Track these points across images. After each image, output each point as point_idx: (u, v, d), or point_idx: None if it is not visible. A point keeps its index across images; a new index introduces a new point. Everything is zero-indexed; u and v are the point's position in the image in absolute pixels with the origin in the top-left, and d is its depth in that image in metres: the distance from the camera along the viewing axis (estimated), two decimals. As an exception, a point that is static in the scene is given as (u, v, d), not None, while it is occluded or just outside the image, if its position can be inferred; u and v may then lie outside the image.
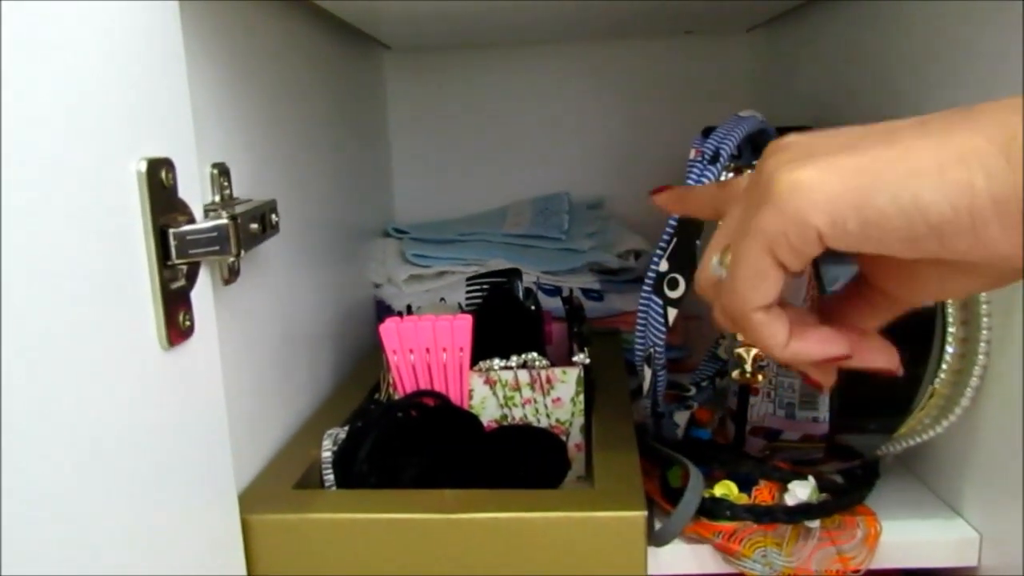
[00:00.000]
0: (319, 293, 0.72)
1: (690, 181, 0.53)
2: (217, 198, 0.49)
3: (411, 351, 0.61)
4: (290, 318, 0.64)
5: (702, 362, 0.73)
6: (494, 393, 0.61)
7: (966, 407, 0.51)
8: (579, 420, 0.62)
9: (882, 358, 0.31)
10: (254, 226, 0.46)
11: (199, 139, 0.41)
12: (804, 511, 0.52)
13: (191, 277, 0.40)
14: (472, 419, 0.59)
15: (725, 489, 0.54)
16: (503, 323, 0.67)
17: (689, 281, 0.52)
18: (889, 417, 0.55)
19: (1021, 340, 0.48)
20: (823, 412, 0.60)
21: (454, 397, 0.61)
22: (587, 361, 0.62)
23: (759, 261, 0.27)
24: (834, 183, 0.25)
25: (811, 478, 0.54)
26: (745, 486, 0.55)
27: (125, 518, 0.34)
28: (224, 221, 0.41)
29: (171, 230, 0.37)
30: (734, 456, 0.59)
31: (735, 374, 0.57)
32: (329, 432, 0.57)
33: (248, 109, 0.56)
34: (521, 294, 0.74)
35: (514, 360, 0.61)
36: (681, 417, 0.64)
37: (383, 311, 0.90)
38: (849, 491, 0.54)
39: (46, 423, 0.29)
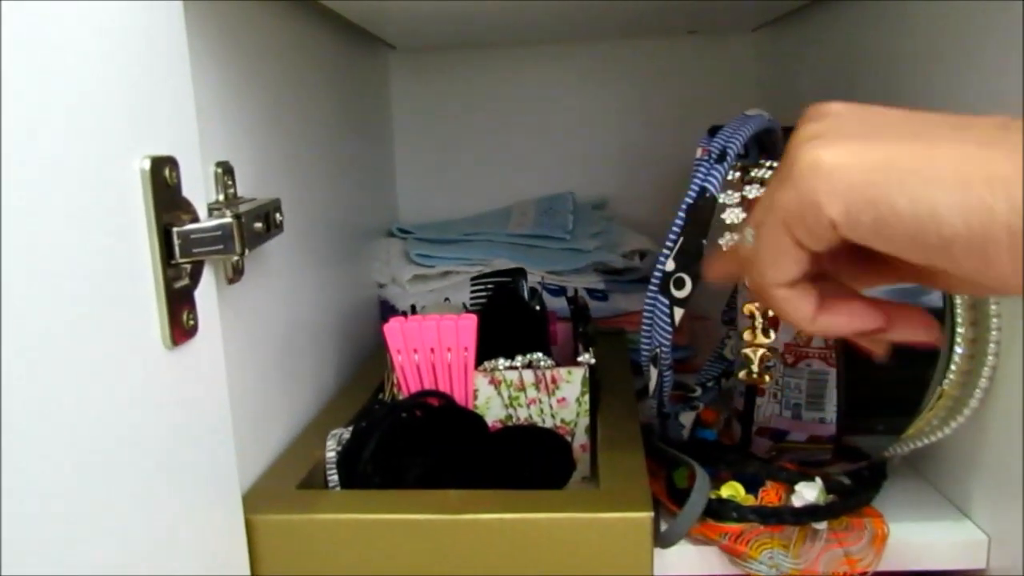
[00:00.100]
0: (323, 293, 0.72)
1: (696, 179, 0.52)
2: (221, 197, 0.49)
3: (415, 351, 0.61)
4: (294, 318, 0.63)
5: (707, 362, 0.73)
6: (499, 393, 0.61)
7: (975, 408, 0.51)
8: (584, 420, 0.61)
9: (921, 330, 0.30)
10: (258, 225, 0.46)
11: (203, 138, 0.41)
12: (811, 513, 0.51)
13: (195, 276, 0.39)
14: (477, 419, 0.59)
15: (732, 490, 0.54)
16: (508, 323, 0.67)
17: (695, 281, 0.52)
18: (897, 418, 0.54)
19: (1031, 340, 0.48)
20: (830, 413, 0.60)
21: (459, 397, 0.61)
22: (592, 361, 0.61)
23: (778, 238, 0.27)
24: (855, 171, 0.24)
25: (818, 479, 0.53)
26: (752, 487, 0.54)
27: (128, 518, 0.34)
28: (228, 220, 0.41)
29: (175, 229, 0.37)
30: (740, 457, 0.59)
31: (742, 374, 0.57)
32: (333, 432, 0.56)
33: (252, 108, 0.56)
34: (526, 294, 0.74)
35: (519, 360, 0.61)
36: (687, 418, 0.64)
37: (387, 311, 0.90)
38: (856, 492, 0.54)
39: (48, 423, 0.29)
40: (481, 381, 0.61)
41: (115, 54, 0.33)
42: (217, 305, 0.42)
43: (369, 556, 0.48)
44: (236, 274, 0.50)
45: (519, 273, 0.77)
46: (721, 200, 0.53)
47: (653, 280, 0.53)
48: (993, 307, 0.50)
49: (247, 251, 0.43)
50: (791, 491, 0.53)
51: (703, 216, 0.52)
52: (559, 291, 0.87)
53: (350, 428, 0.57)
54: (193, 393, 0.39)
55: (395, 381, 0.62)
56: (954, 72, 0.54)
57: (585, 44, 1.05)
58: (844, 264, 0.30)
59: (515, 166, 1.08)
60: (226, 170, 0.49)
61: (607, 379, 0.69)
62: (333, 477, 0.54)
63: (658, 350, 0.54)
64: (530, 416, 0.61)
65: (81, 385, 0.30)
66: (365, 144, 0.92)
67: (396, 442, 0.54)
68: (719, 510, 0.52)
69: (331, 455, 0.54)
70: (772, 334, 0.55)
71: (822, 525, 0.51)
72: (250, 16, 0.56)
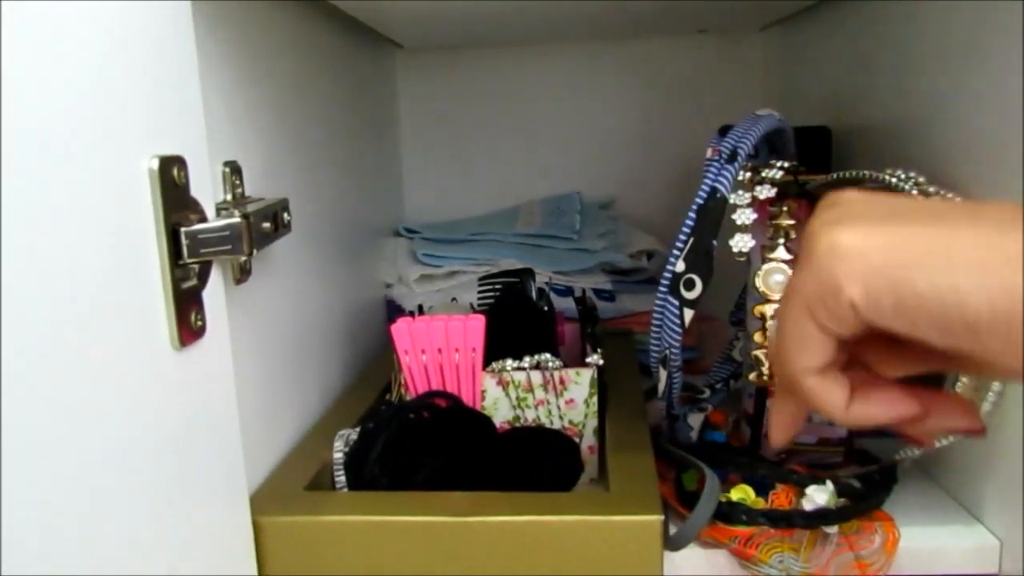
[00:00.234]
0: (330, 293, 0.72)
1: (707, 180, 0.52)
2: (229, 196, 0.49)
3: (423, 351, 0.61)
4: (301, 318, 0.63)
5: (716, 364, 0.73)
6: (507, 394, 0.61)
7: (988, 412, 0.50)
8: (592, 422, 0.61)
9: (959, 419, 0.29)
10: (266, 225, 0.46)
11: (211, 137, 0.41)
12: (822, 516, 0.51)
13: (203, 276, 0.39)
14: (484, 420, 0.58)
15: (742, 493, 0.54)
16: (516, 323, 0.67)
17: (705, 282, 0.51)
18: (908, 421, 0.54)
19: (1045, 343, 0.47)
20: (840, 415, 0.59)
21: (466, 398, 0.61)
22: (600, 362, 0.61)
23: (802, 324, 0.26)
24: (874, 253, 0.24)
25: (829, 482, 0.53)
26: (762, 490, 0.54)
27: (135, 519, 0.34)
28: (236, 220, 0.40)
29: (183, 229, 0.37)
30: (750, 460, 0.58)
31: (752, 376, 0.56)
32: (340, 433, 0.56)
33: (260, 107, 0.56)
34: (534, 294, 0.74)
35: (527, 361, 0.61)
36: (695, 419, 0.63)
37: (394, 311, 0.89)
38: (867, 496, 0.53)
39: (55, 423, 0.28)
40: (489, 382, 0.61)
41: (123, 54, 0.33)
42: (225, 305, 0.42)
43: (377, 558, 0.47)
44: (244, 274, 0.50)
45: (527, 273, 0.77)
46: (732, 201, 0.53)
47: (663, 281, 0.53)
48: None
49: (255, 251, 0.43)
50: (801, 494, 0.52)
51: (714, 217, 0.51)
52: (566, 291, 0.87)
53: (357, 429, 0.57)
54: (201, 394, 0.39)
55: (402, 382, 0.62)
56: (963, 72, 0.54)
57: (593, 43, 1.05)
58: (874, 351, 0.30)
59: (522, 166, 1.08)
60: (234, 170, 0.49)
61: (615, 380, 0.69)
62: (341, 478, 0.54)
63: (668, 351, 0.54)
64: (538, 417, 0.61)
65: (88, 386, 0.30)
66: (372, 144, 0.91)
67: (403, 443, 0.54)
68: (729, 513, 0.51)
69: (338, 456, 0.54)
70: (782, 336, 0.54)
71: (833, 529, 0.51)
72: (257, 15, 0.56)
